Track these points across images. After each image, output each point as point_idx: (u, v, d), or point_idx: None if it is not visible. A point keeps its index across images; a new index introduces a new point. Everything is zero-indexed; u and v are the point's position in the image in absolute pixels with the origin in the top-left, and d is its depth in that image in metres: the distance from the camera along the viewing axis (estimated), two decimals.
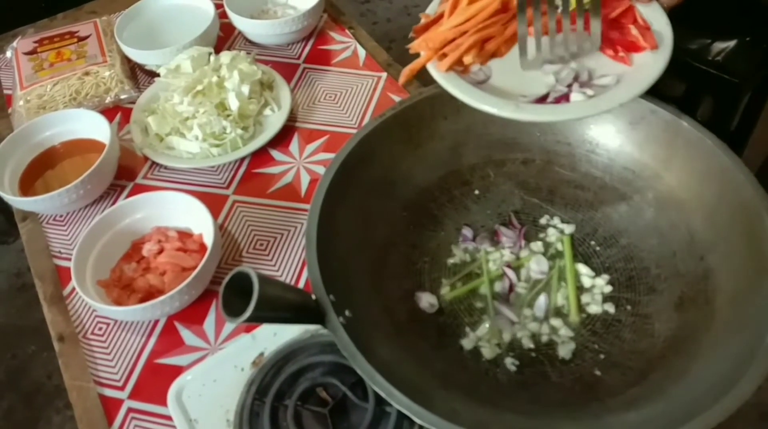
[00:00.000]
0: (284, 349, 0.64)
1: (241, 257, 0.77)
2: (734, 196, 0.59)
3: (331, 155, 0.83)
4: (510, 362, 0.60)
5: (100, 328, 0.72)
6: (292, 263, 0.76)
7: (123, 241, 0.76)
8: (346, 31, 1.08)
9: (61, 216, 0.84)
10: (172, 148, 0.88)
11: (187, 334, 0.70)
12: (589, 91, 0.57)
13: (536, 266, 0.66)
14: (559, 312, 0.63)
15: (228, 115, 0.87)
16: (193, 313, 0.71)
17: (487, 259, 0.67)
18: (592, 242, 0.68)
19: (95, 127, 0.86)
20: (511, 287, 0.65)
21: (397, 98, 0.94)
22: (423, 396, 0.49)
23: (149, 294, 0.71)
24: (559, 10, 0.58)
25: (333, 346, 0.57)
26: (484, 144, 0.73)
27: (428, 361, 0.59)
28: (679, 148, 0.64)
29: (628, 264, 0.65)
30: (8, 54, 1.07)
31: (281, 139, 0.90)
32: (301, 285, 0.73)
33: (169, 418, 0.62)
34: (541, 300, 0.63)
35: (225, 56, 0.92)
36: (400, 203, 0.70)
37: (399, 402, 0.48)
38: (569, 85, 0.59)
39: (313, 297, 0.54)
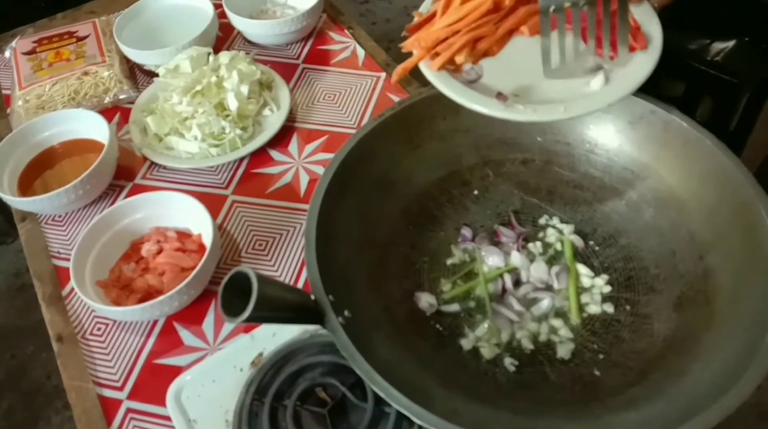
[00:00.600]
0: (283, 350, 0.64)
1: (240, 257, 0.77)
2: (734, 196, 0.59)
3: (330, 155, 0.83)
4: (509, 362, 0.60)
5: (99, 329, 0.71)
6: (291, 263, 0.76)
7: (122, 241, 0.76)
8: (346, 31, 1.07)
9: (60, 216, 0.84)
10: (171, 148, 0.88)
11: (186, 335, 0.70)
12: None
13: (535, 271, 0.66)
14: (558, 312, 0.63)
15: (227, 116, 0.87)
16: (192, 314, 0.71)
17: (482, 260, 0.67)
18: (592, 242, 0.68)
19: (94, 127, 0.86)
20: (504, 289, 0.65)
21: (396, 98, 0.93)
22: (422, 396, 0.49)
23: (148, 294, 0.71)
24: (584, 10, 0.56)
25: (332, 346, 0.57)
26: (483, 144, 0.73)
27: (427, 361, 0.59)
28: (679, 148, 0.64)
29: (627, 264, 0.65)
30: (7, 54, 1.07)
31: (280, 139, 0.90)
32: (300, 285, 0.73)
33: (168, 418, 0.62)
34: (545, 302, 0.63)
35: (224, 56, 0.92)
36: (399, 203, 0.70)
37: (398, 402, 0.48)
38: None
39: (312, 297, 0.54)
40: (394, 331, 0.61)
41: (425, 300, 0.64)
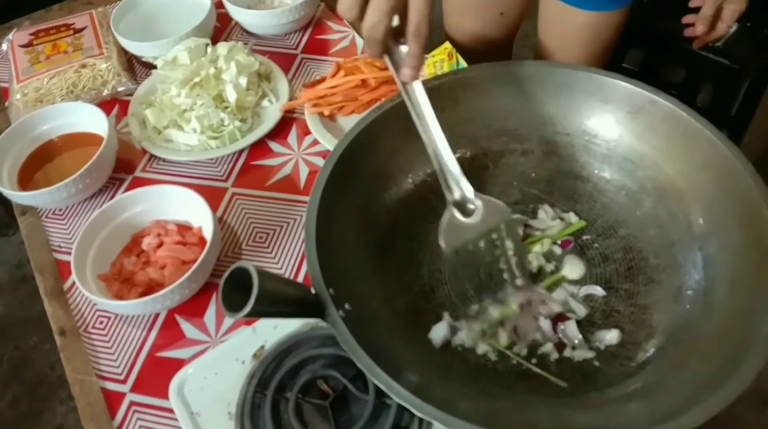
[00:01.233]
0: (285, 342, 0.64)
1: (241, 250, 0.77)
2: (733, 186, 0.59)
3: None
4: (509, 354, 0.60)
5: (101, 322, 0.72)
6: (291, 255, 0.76)
7: (123, 234, 0.76)
8: (344, 20, 1.07)
9: (60, 210, 0.84)
10: (171, 140, 0.87)
11: (188, 328, 0.70)
12: None
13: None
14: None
15: (226, 107, 0.87)
16: (193, 307, 0.71)
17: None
18: (591, 233, 0.68)
19: (93, 121, 0.86)
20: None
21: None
22: (422, 388, 0.49)
23: (149, 288, 0.71)
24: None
25: (333, 339, 0.57)
26: (482, 135, 0.73)
27: (428, 354, 0.60)
28: (678, 138, 0.64)
29: (626, 254, 0.65)
30: (4, 47, 1.06)
31: (279, 130, 0.89)
32: (300, 277, 0.74)
33: (171, 411, 0.63)
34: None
35: (222, 47, 0.92)
36: (399, 195, 0.70)
37: (399, 394, 0.49)
38: None
39: (313, 291, 0.54)
40: (394, 323, 0.61)
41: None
